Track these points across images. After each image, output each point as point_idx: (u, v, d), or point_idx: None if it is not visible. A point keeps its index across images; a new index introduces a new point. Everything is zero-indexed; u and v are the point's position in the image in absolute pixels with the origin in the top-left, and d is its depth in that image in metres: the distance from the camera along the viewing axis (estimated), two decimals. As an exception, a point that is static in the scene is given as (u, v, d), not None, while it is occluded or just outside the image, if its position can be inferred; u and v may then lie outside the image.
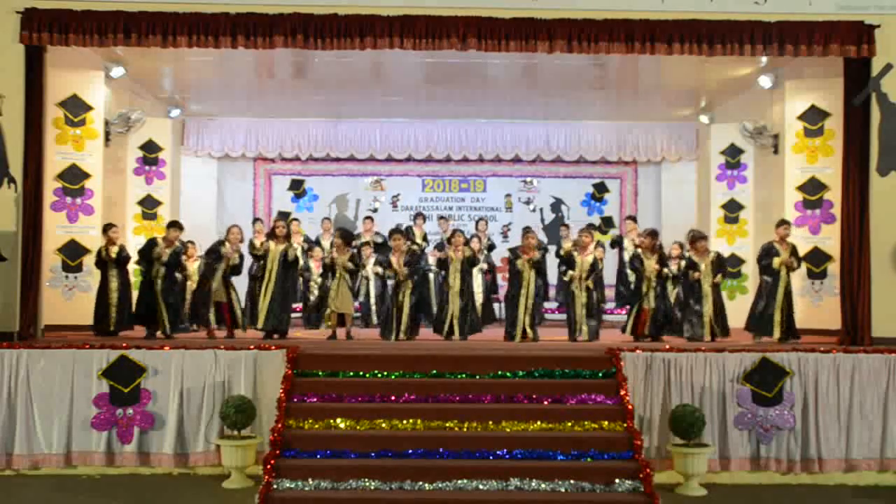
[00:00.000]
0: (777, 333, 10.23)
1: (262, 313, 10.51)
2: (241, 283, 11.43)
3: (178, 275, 10.80)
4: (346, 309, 11.01)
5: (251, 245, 11.29)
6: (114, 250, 10.68)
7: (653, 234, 11.10)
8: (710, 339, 10.49)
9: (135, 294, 10.96)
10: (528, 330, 10.62)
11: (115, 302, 10.60)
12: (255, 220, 14.22)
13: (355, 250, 11.91)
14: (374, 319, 12.54)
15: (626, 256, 13.31)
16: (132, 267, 11.39)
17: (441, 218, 14.75)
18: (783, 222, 10.68)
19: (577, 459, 7.55)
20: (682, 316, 10.84)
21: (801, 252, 11.29)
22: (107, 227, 10.91)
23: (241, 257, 11.00)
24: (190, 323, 11.11)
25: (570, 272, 10.79)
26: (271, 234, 11.06)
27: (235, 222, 11.64)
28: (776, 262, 10.32)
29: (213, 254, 10.92)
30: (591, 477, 7.34)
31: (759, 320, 10.38)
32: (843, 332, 9.76)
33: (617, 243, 13.79)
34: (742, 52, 9.78)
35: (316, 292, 12.77)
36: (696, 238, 10.98)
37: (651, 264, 10.73)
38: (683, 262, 11.05)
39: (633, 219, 14.23)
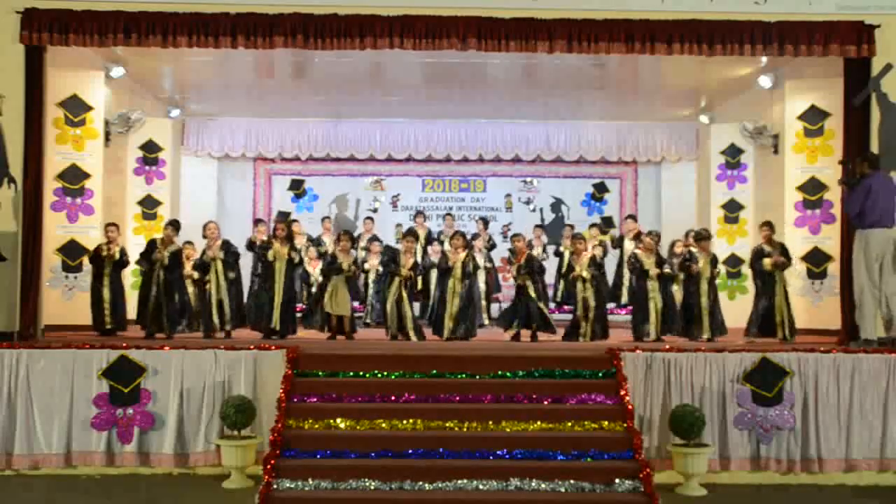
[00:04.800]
0: (780, 334, 10.22)
1: (275, 316, 10.45)
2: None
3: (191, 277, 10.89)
4: (344, 311, 10.97)
5: (249, 243, 11.27)
6: (115, 250, 10.65)
7: (657, 236, 11.18)
8: (708, 338, 10.48)
9: (134, 294, 10.93)
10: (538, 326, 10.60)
11: (109, 300, 10.57)
12: (258, 220, 14.24)
13: (354, 252, 11.93)
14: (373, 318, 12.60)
15: (625, 256, 13.35)
16: (131, 267, 11.39)
17: (448, 215, 14.78)
18: (765, 224, 10.68)
19: (577, 459, 7.55)
20: (682, 314, 10.86)
21: (802, 252, 11.33)
22: (107, 226, 10.90)
23: (227, 245, 10.80)
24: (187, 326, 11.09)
25: (571, 273, 10.80)
26: (273, 236, 10.99)
27: (231, 223, 11.59)
28: (766, 262, 10.33)
29: (200, 262, 10.88)
30: (591, 477, 7.33)
31: (760, 323, 10.36)
32: (843, 332, 9.76)
33: (618, 244, 13.80)
34: (742, 52, 9.79)
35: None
36: (702, 237, 10.96)
37: (651, 264, 10.73)
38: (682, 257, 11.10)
39: (634, 218, 14.25)
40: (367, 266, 12.47)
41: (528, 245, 11.78)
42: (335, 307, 10.90)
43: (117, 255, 10.66)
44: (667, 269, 10.80)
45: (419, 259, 12.57)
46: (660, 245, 11.37)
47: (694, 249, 10.95)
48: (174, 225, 10.72)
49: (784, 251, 10.43)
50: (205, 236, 10.87)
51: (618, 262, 13.77)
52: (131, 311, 11.38)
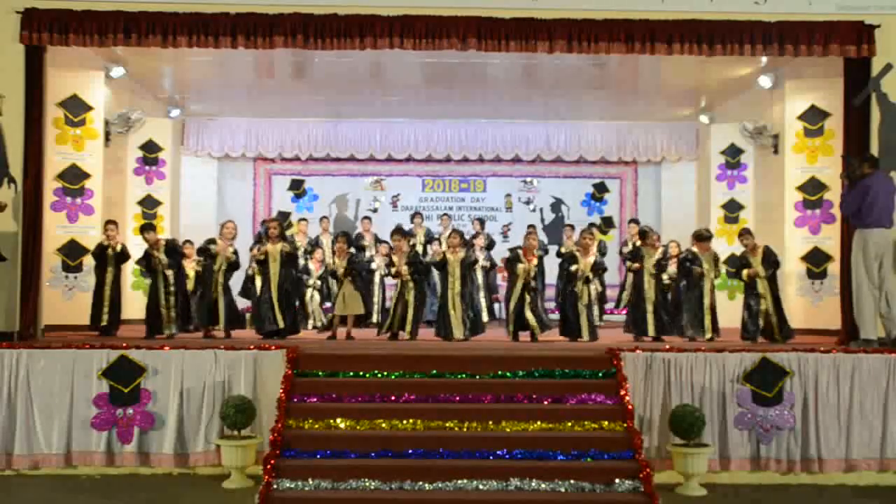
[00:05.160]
0: (763, 338, 10.22)
1: (277, 316, 10.48)
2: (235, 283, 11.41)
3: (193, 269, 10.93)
4: (355, 310, 11.00)
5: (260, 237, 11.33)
6: (117, 245, 10.67)
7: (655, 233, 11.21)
8: (708, 338, 10.49)
9: (133, 294, 10.97)
10: (533, 325, 10.60)
11: (108, 298, 10.58)
12: (264, 221, 14.19)
13: (354, 251, 11.93)
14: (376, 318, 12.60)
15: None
16: (132, 267, 11.39)
17: (444, 215, 14.79)
18: (744, 232, 10.70)
19: (577, 459, 7.54)
20: (680, 313, 10.88)
21: (802, 252, 11.34)
22: (106, 223, 10.92)
23: (236, 252, 10.88)
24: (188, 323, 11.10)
25: (575, 265, 10.80)
26: (265, 236, 10.99)
27: (232, 220, 11.54)
28: (744, 274, 10.38)
29: (204, 252, 10.88)
30: (591, 477, 7.32)
31: (751, 327, 10.38)
32: (843, 332, 9.76)
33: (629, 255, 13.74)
34: (742, 52, 9.79)
35: (316, 296, 12.77)
36: (702, 237, 10.96)
37: (650, 261, 10.74)
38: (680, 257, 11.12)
39: (636, 222, 14.24)
40: (373, 266, 12.46)
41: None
42: (345, 308, 10.94)
43: (118, 248, 10.70)
44: (665, 278, 10.80)
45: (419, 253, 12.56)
46: (660, 241, 11.37)
47: (694, 249, 10.96)
48: (150, 228, 10.76)
49: (768, 255, 10.38)
50: (221, 233, 10.90)
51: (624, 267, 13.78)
52: (130, 311, 11.40)
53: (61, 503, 7.59)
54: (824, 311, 10.93)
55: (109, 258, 10.65)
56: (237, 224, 11.42)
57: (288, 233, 14.41)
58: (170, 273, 10.39)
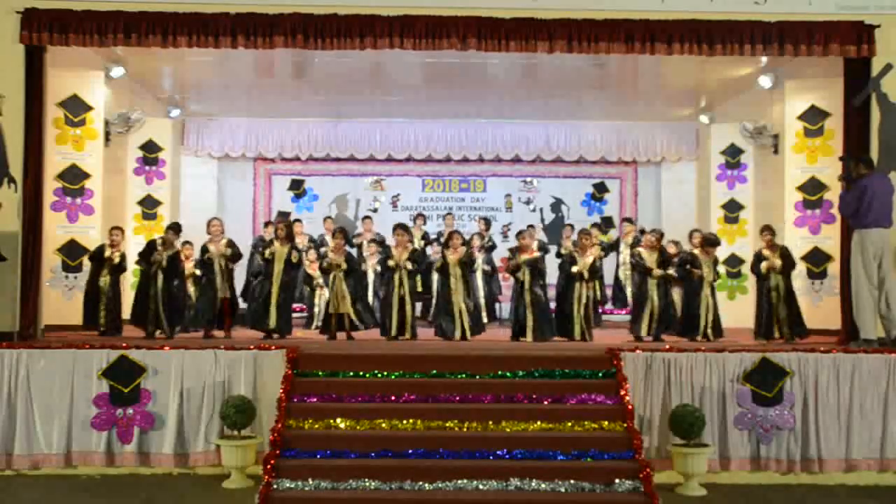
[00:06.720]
0: (777, 334, 10.24)
1: (271, 315, 10.49)
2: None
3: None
4: (346, 309, 10.99)
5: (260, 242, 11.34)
6: (116, 255, 10.59)
7: (660, 235, 11.17)
8: (705, 339, 10.48)
9: (131, 294, 10.95)
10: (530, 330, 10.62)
11: (105, 301, 10.53)
12: (267, 223, 14.16)
13: (354, 249, 11.93)
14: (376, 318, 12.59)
15: (622, 259, 13.38)
16: (132, 267, 11.38)
17: (448, 215, 14.78)
18: (765, 228, 10.69)
19: (577, 459, 7.54)
20: (681, 315, 10.88)
21: (802, 252, 11.34)
22: (111, 229, 10.86)
23: (230, 244, 10.82)
24: (189, 323, 11.10)
25: (575, 267, 10.81)
26: (274, 236, 10.98)
27: (232, 222, 11.52)
28: (763, 266, 10.37)
29: (201, 262, 10.86)
30: (591, 477, 7.33)
31: (761, 325, 10.40)
32: (843, 332, 9.76)
33: (613, 248, 13.77)
34: (742, 52, 9.79)
35: (326, 294, 12.76)
36: (710, 243, 10.89)
37: (653, 261, 10.72)
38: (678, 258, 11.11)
39: (630, 220, 14.26)
40: (365, 266, 12.46)
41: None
42: (338, 306, 10.92)
43: (117, 260, 10.62)
44: (670, 271, 10.76)
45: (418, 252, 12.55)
46: (661, 243, 11.36)
47: (696, 252, 10.91)
48: (175, 228, 10.68)
49: (785, 254, 10.43)
50: (209, 232, 10.87)
51: (616, 264, 13.77)
52: (127, 313, 11.40)
53: (61, 503, 7.59)
54: (824, 311, 10.93)
55: (105, 265, 10.58)
56: (231, 223, 11.34)
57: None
58: (159, 275, 10.29)
